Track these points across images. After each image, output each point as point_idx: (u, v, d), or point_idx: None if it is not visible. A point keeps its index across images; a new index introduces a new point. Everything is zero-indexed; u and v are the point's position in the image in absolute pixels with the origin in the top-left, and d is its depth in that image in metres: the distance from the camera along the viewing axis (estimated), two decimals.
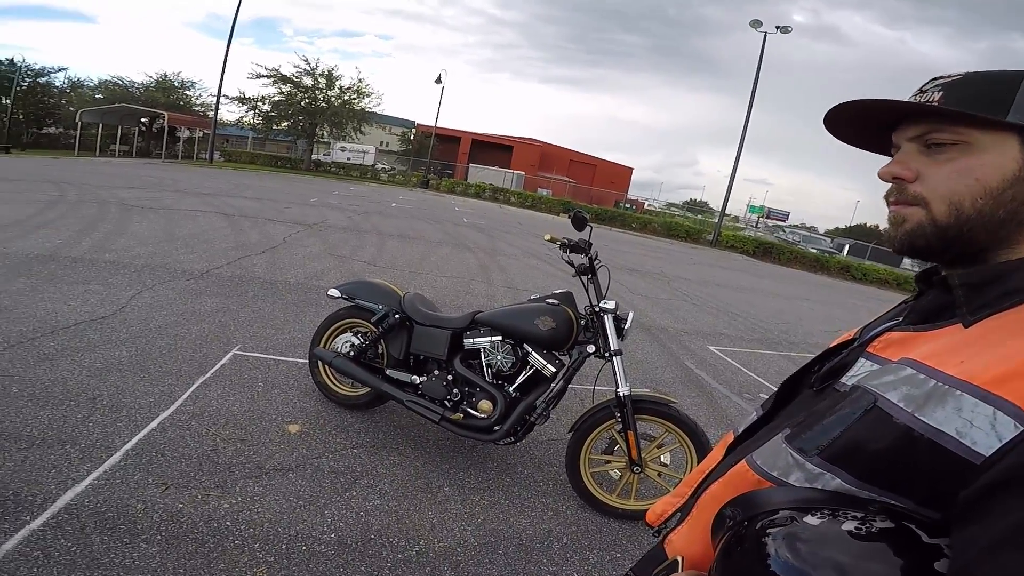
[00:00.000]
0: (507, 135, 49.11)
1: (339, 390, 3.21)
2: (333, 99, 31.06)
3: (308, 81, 30.70)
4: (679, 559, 0.69)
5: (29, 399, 2.75)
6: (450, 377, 2.78)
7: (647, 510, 2.65)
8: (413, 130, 46.73)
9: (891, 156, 0.68)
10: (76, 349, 3.38)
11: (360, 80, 32.21)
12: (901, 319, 0.69)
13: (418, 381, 2.84)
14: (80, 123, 27.09)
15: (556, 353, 2.66)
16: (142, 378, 3.15)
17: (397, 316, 2.90)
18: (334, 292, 3.12)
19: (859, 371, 0.64)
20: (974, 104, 0.58)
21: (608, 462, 2.71)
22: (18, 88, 30.16)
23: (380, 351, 3.03)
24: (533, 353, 2.61)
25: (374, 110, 33.01)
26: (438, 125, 34.79)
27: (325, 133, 32.62)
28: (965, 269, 0.61)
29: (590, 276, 2.68)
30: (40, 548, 1.84)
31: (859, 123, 0.69)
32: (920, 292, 0.70)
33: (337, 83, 31.26)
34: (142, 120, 30.39)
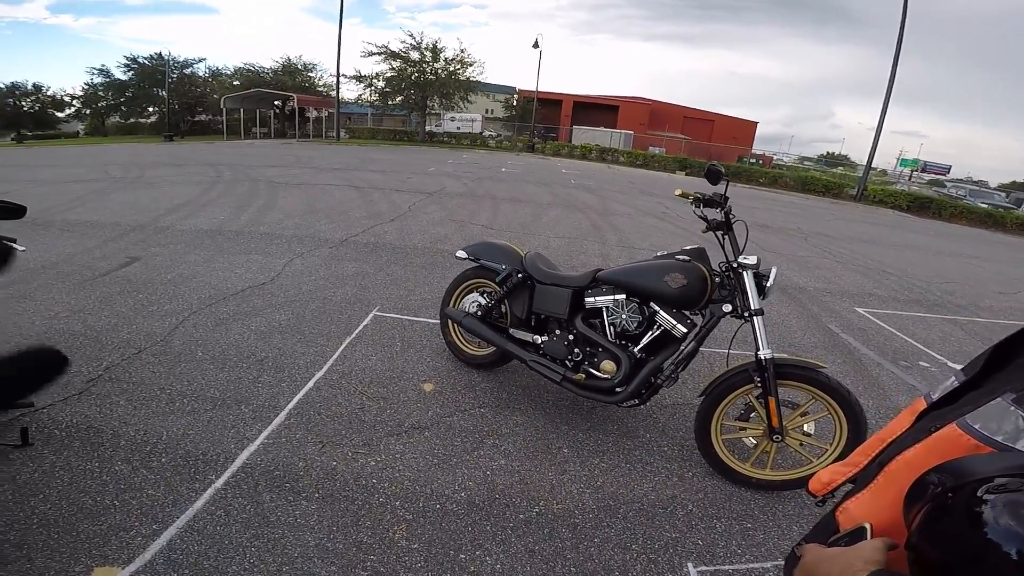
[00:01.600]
0: (611, 95, 47.05)
1: (467, 349, 3.34)
2: (439, 71, 31.88)
3: (415, 55, 31.75)
4: (867, 526, 0.65)
5: (211, 362, 3.16)
6: (571, 336, 2.75)
7: (785, 480, 2.47)
8: (515, 96, 46.52)
9: None
10: (244, 314, 3.87)
11: (462, 51, 32.82)
12: None
13: (540, 341, 2.85)
14: (224, 109, 30.41)
15: (687, 312, 2.52)
16: (299, 340, 3.52)
17: (519, 275, 2.92)
18: (461, 253, 3.20)
19: None
20: None
21: (743, 429, 2.55)
22: (170, 80, 34.01)
23: (504, 310, 3.08)
24: (661, 312, 2.48)
25: (478, 79, 33.43)
26: (539, 89, 34.31)
27: (435, 105, 33.58)
28: None
29: (725, 232, 2.48)
30: (222, 507, 2.07)
31: None
32: None
33: (442, 55, 32.03)
34: (275, 103, 33.13)
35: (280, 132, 34.70)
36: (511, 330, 2.99)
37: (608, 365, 2.58)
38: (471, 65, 32.63)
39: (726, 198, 2.48)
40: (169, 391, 2.83)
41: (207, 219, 6.77)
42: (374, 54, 31.78)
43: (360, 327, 3.78)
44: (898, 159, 48.76)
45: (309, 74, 38.74)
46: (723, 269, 2.46)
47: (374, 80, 32.40)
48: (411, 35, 33.27)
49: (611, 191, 14.28)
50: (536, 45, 32.01)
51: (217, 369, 3.08)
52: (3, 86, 36.37)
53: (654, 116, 43.15)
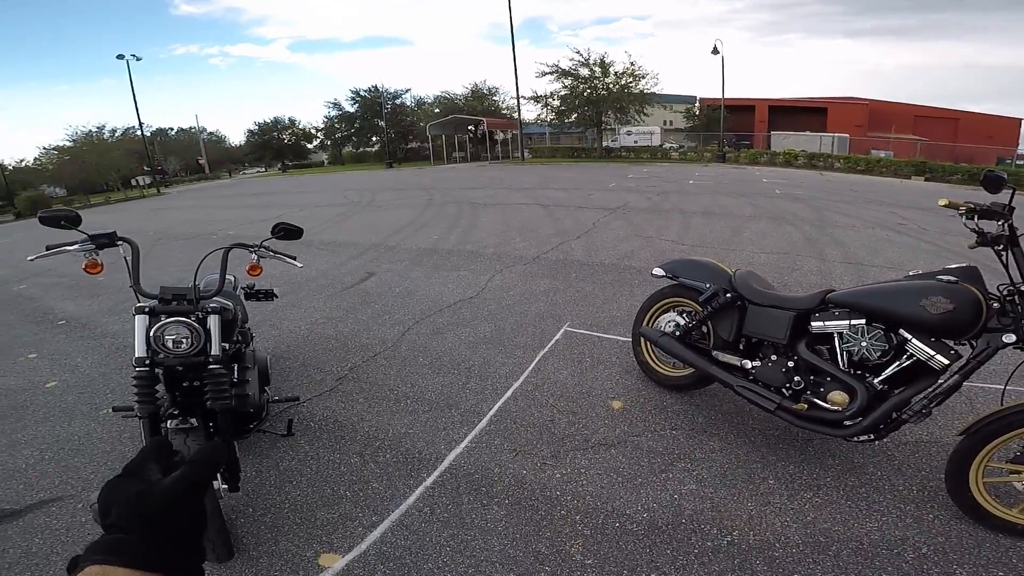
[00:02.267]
0: (815, 96, 41.76)
1: (660, 370, 3.25)
2: (611, 85, 31.66)
3: (584, 72, 31.98)
4: None
5: (429, 368, 3.59)
6: (791, 364, 2.50)
7: None
8: (696, 105, 44.13)
9: None
10: (456, 324, 4.34)
11: (632, 63, 32.13)
12: None
13: (750, 365, 2.65)
14: (430, 135, 34.26)
15: (950, 342, 2.14)
16: (500, 351, 3.82)
17: (728, 295, 2.75)
18: (658, 271, 3.12)
19: None
20: None
21: (1015, 472, 2.06)
22: (386, 111, 38.97)
23: (706, 331, 2.93)
24: (914, 340, 2.13)
25: (652, 90, 32.49)
26: (726, 96, 31.98)
27: (611, 120, 33.43)
28: None
29: (1007, 247, 2.05)
30: (429, 504, 2.29)
31: None
32: None
33: (611, 69, 31.76)
34: (469, 128, 36.33)
35: (475, 155, 38.03)
36: (715, 352, 2.82)
37: (838, 396, 2.29)
38: (643, 77, 31.93)
39: (1011, 208, 2.06)
40: (396, 392, 3.25)
41: (425, 238, 7.79)
42: (547, 73, 32.77)
43: (552, 341, 3.96)
44: None
45: (494, 98, 41.57)
46: (1005, 292, 2.05)
47: (549, 100, 33.46)
48: (577, 51, 33.55)
49: (827, 201, 12.60)
50: (716, 51, 30.14)
51: (434, 374, 3.47)
52: (268, 121, 46.19)
53: (874, 116, 37.22)
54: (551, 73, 32.80)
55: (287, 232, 2.53)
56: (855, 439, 2.28)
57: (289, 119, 47.38)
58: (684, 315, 3.08)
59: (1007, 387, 2.19)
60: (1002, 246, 2.06)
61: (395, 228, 8.78)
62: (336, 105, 44.02)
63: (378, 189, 16.16)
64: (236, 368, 2.25)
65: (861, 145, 31.10)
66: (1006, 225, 2.05)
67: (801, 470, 2.49)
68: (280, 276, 5.56)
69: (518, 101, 33.40)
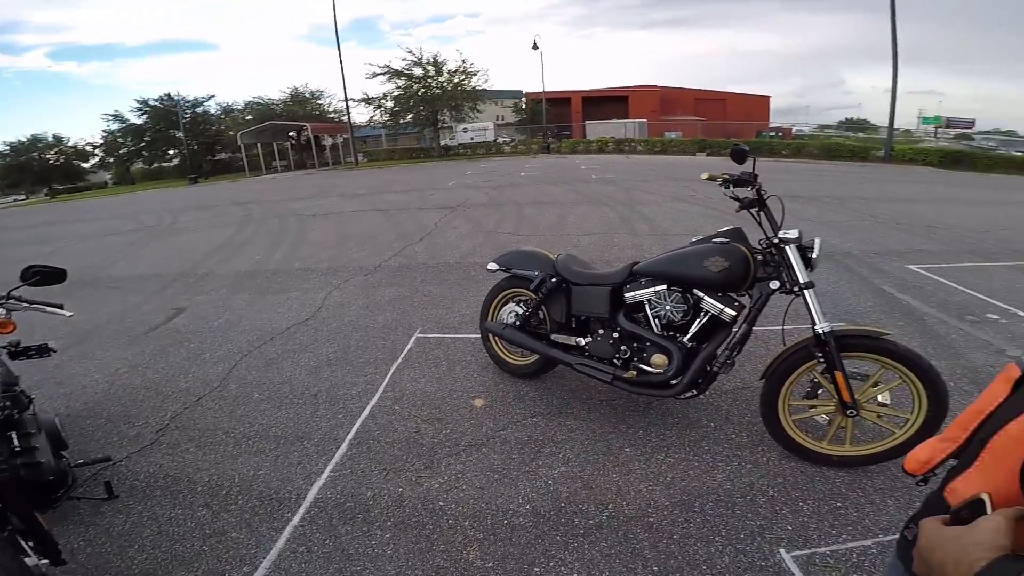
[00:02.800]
0: (619, 86, 46.66)
1: (511, 360, 3.32)
2: (445, 84, 32.00)
3: (418, 71, 31.95)
4: (984, 497, 0.61)
5: (268, 402, 3.24)
6: (616, 334, 2.70)
7: (869, 455, 2.36)
8: (523, 99, 46.60)
9: None
10: (292, 351, 3.95)
11: (463, 61, 32.92)
12: None
13: (583, 343, 2.80)
14: (242, 145, 31.08)
15: (733, 295, 2.44)
16: (348, 370, 3.57)
17: (553, 280, 2.88)
18: (492, 265, 3.20)
19: None
20: None
21: (813, 407, 2.45)
22: (183, 120, 34.40)
23: (543, 317, 3.05)
24: (706, 298, 2.41)
25: (484, 87, 33.54)
26: (546, 89, 34.38)
27: (446, 118, 33.80)
28: None
29: (760, 208, 2.40)
30: (303, 543, 2.11)
31: None
32: None
33: (444, 68, 32.17)
34: (290, 134, 33.57)
35: (300, 163, 35.38)
36: (553, 336, 2.95)
37: (659, 359, 2.52)
38: (475, 74, 32.78)
39: (755, 175, 2.40)
40: (234, 434, 2.91)
41: (244, 260, 6.97)
42: (378, 74, 32.13)
43: (405, 351, 3.81)
44: (919, 117, 47.08)
45: (318, 102, 39.19)
46: (764, 246, 2.38)
47: (382, 101, 32.78)
48: (410, 51, 33.84)
49: (634, 181, 14.09)
50: (535, 46, 31.96)
51: (275, 408, 3.15)
52: (24, 140, 37.86)
53: (665, 102, 42.65)
54: (383, 74, 32.08)
55: (44, 276, 2.17)
56: (682, 396, 2.51)
57: (54, 136, 39.11)
58: (522, 304, 3.16)
59: (784, 327, 2.56)
60: (756, 208, 2.40)
61: (206, 252, 7.72)
62: (118, 117, 37.55)
63: (181, 208, 14.14)
64: (15, 436, 1.96)
65: (656, 128, 35.45)
66: (755, 190, 2.40)
67: (649, 433, 2.69)
68: (60, 326, 4.56)
69: (347, 104, 32.18)
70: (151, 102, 36.68)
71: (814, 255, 2.28)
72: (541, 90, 34.26)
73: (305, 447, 2.74)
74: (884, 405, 2.35)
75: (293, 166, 34.65)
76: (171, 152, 39.28)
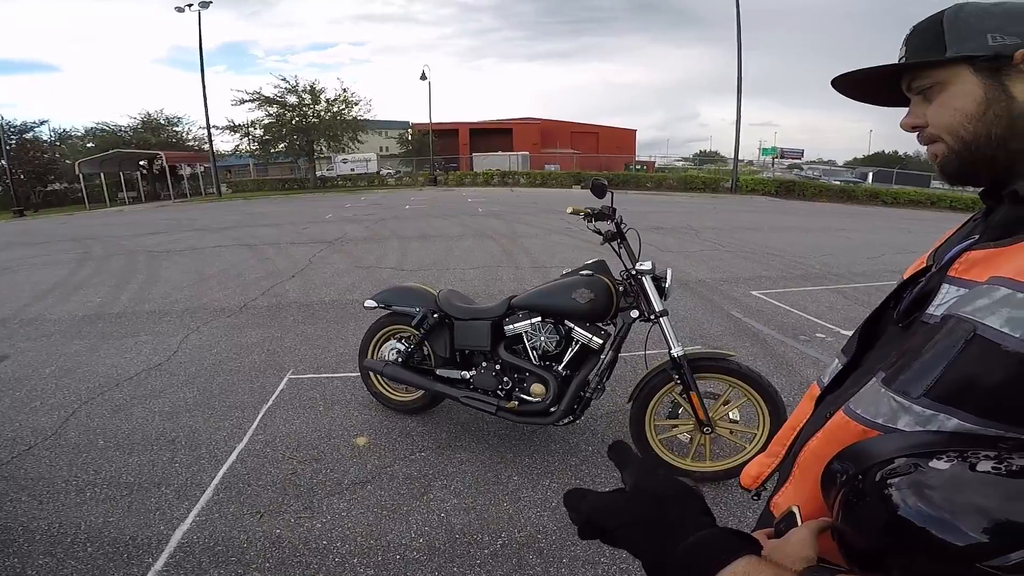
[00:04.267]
0: (504, 119, 48.55)
1: (396, 397, 3.25)
2: (322, 113, 30.86)
3: (293, 99, 30.51)
4: (795, 510, 0.66)
5: (116, 448, 2.92)
6: (498, 367, 2.77)
7: (727, 469, 2.60)
8: (409, 130, 46.44)
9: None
10: (144, 396, 3.52)
11: (344, 90, 31.94)
12: (977, 237, 0.64)
13: (468, 376, 2.84)
14: (81, 175, 27.22)
15: (600, 324, 2.61)
16: (211, 415, 3.27)
17: (435, 315, 2.90)
18: (370, 303, 3.14)
19: (945, 298, 0.60)
20: (924, 51, 0.66)
21: (675, 426, 2.68)
22: (7, 147, 29.43)
23: (426, 353, 3.05)
24: (576, 328, 2.57)
25: (366, 117, 32.70)
26: (433, 121, 34.43)
27: (323, 148, 32.41)
28: None
29: (620, 241, 2.62)
30: None
31: (864, 87, 0.74)
32: (989, 209, 0.67)
33: (322, 96, 31.02)
34: (141, 163, 30.09)
35: (152, 194, 31.62)
36: (437, 370, 2.95)
37: (537, 388, 2.62)
38: (356, 104, 31.89)
39: (614, 209, 2.63)
40: (76, 482, 2.62)
41: (81, 303, 6.07)
42: (246, 101, 30.09)
43: (276, 393, 3.56)
44: (760, 149, 54.50)
45: (175, 128, 35.77)
46: (624, 277, 2.60)
47: (250, 129, 30.71)
48: (284, 79, 31.40)
49: (517, 214, 14.61)
50: (424, 77, 31.93)
51: (125, 455, 2.85)
52: None
53: (545, 134, 44.90)
54: (252, 100, 29.96)
55: None
56: (560, 423, 2.63)
57: None
58: (403, 341, 3.13)
59: (646, 352, 2.79)
60: (616, 240, 2.62)
61: (34, 295, 6.60)
62: None
63: (2, 245, 12.05)
64: None
65: (538, 161, 37.15)
66: (614, 223, 2.63)
67: (534, 461, 2.77)
68: None
69: (208, 131, 29.10)
70: None
71: (667, 284, 2.53)
72: (428, 121, 34.16)
73: (163, 493, 2.51)
74: (735, 422, 2.63)
75: (144, 198, 30.84)
76: None
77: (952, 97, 0.65)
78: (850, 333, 0.84)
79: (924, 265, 0.73)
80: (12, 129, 31.79)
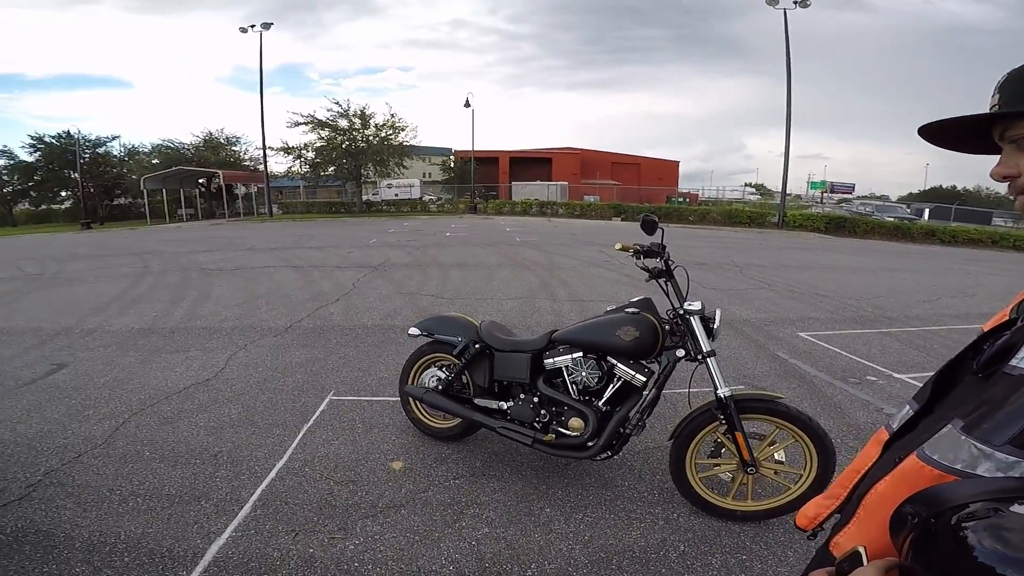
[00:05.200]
0: (543, 147, 49.05)
1: (433, 424, 3.27)
2: (371, 137, 31.50)
3: (344, 123, 31.23)
4: (860, 550, 0.66)
5: (161, 460, 3.02)
6: (536, 399, 2.77)
7: (769, 509, 2.53)
8: (452, 157, 47.35)
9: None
10: (190, 411, 3.65)
11: (392, 115, 32.44)
12: None
13: (506, 407, 2.85)
14: (145, 190, 28.49)
15: (643, 362, 2.59)
16: (253, 432, 3.36)
17: (477, 346, 2.94)
18: (414, 331, 3.21)
19: None
20: (1020, 100, 0.64)
21: (717, 465, 2.60)
22: (81, 160, 31.32)
23: (466, 381, 3.07)
24: (619, 365, 2.55)
25: (412, 143, 33.20)
26: (475, 148, 34.94)
27: (370, 172, 33.10)
28: None
29: (667, 279, 2.60)
30: None
31: (952, 134, 0.73)
32: None
33: (372, 121, 31.65)
34: (200, 181, 31.49)
35: (208, 212, 33.15)
36: (476, 400, 2.97)
37: (576, 422, 2.59)
38: (403, 129, 32.39)
39: (663, 246, 2.61)
40: (120, 492, 2.71)
41: (137, 317, 6.40)
42: (300, 124, 30.97)
43: (317, 413, 3.63)
44: (808, 183, 53.16)
45: (233, 148, 36.96)
46: (671, 316, 2.57)
47: (303, 151, 31.57)
48: (336, 103, 31.94)
49: (554, 245, 14.66)
50: (467, 104, 32.34)
51: (168, 467, 2.94)
52: None
53: (585, 164, 45.09)
54: (306, 123, 30.89)
55: None
56: (598, 458, 2.60)
57: None
58: (444, 369, 3.17)
59: (690, 391, 2.75)
60: (664, 278, 2.60)
61: (95, 307, 7.01)
62: (6, 153, 33.85)
63: (70, 256, 12.85)
64: None
65: (577, 191, 37.19)
66: (663, 261, 2.61)
67: (568, 494, 2.73)
68: None
69: (264, 152, 30.28)
70: (46, 138, 33.53)
71: (715, 325, 2.49)
72: (471, 148, 34.25)
73: (203, 507, 2.57)
74: (780, 462, 2.53)
75: (201, 215, 32.46)
76: (63, 194, 35.77)
77: None
78: (904, 377, 0.84)
79: (1008, 318, 0.73)
80: (87, 143, 34.03)
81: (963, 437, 0.60)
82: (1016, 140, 0.66)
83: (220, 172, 30.02)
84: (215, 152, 35.07)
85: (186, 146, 35.11)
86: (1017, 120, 0.65)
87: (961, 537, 0.49)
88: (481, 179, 39.79)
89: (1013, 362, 0.62)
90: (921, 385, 0.82)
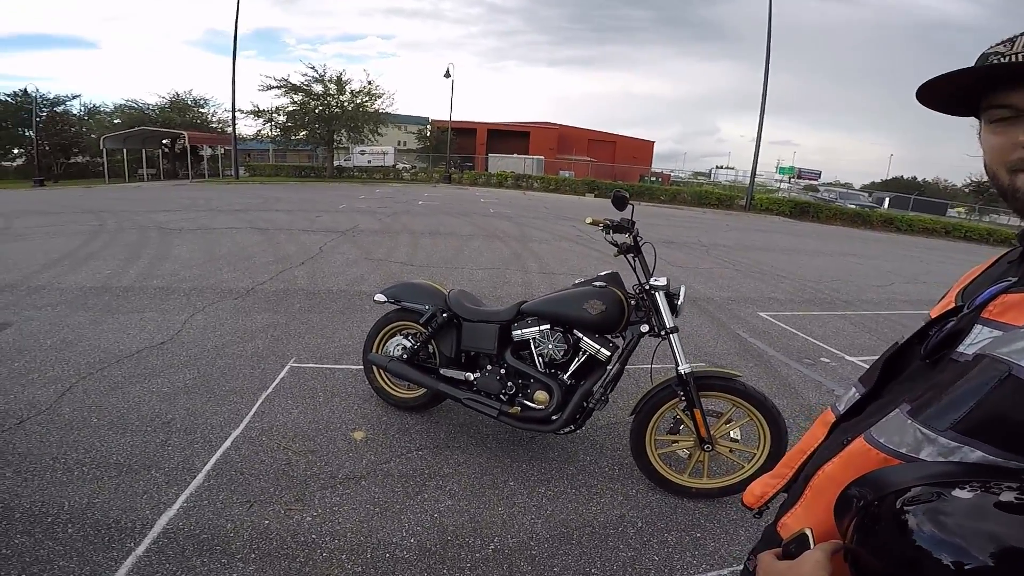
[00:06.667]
0: (522, 121, 48.48)
1: (397, 393, 3.24)
2: (346, 104, 30.79)
3: (319, 88, 30.42)
4: (807, 532, 0.67)
5: (109, 427, 2.89)
6: (503, 371, 2.76)
7: (723, 487, 2.61)
8: (428, 126, 46.46)
9: (978, 118, 0.66)
10: (143, 376, 3.52)
11: (370, 82, 31.78)
12: (1015, 280, 0.64)
13: (472, 378, 2.83)
14: (104, 150, 27.51)
15: (608, 336, 2.60)
16: (209, 399, 3.26)
17: (444, 315, 2.89)
18: (380, 297, 3.13)
19: (978, 339, 0.61)
20: None
21: (675, 442, 2.66)
22: (38, 119, 29.97)
23: (432, 351, 3.04)
24: (585, 338, 2.55)
25: (388, 110, 32.51)
26: (453, 119, 34.40)
27: (343, 138, 32.37)
28: None
29: (635, 254, 2.60)
30: (148, 575, 1.91)
31: (955, 93, 0.66)
32: None
33: (348, 87, 30.97)
34: (164, 142, 30.35)
35: (171, 173, 31.93)
36: (441, 370, 2.94)
37: (541, 395, 2.60)
38: (379, 97, 31.71)
39: (633, 222, 2.61)
40: (64, 460, 2.59)
41: (90, 275, 6.11)
42: (273, 87, 30.01)
43: (276, 380, 3.55)
44: (777, 168, 54.27)
45: (201, 110, 35.92)
46: (637, 291, 2.58)
47: (274, 114, 30.67)
48: (312, 67, 30.99)
49: (528, 218, 14.59)
50: (448, 75, 31.75)
51: (117, 435, 2.83)
52: None
53: (562, 140, 44.82)
54: (280, 87, 29.84)
55: None
56: (561, 432, 2.62)
57: None
58: (410, 338, 3.11)
59: (652, 367, 2.79)
60: (632, 254, 2.60)
61: (45, 263, 6.66)
62: None
63: (19, 212, 12.13)
64: None
65: (553, 166, 37.08)
66: (632, 236, 2.61)
67: (532, 467, 2.75)
68: None
69: (233, 113, 28.92)
70: (3, 97, 31.75)
71: (679, 302, 2.51)
72: (448, 118, 33.89)
73: (153, 476, 2.49)
74: (735, 441, 2.61)
75: (163, 175, 31.21)
76: (15, 151, 33.95)
77: None
78: (855, 360, 0.85)
79: (953, 305, 0.73)
80: (44, 102, 32.42)
81: (909, 421, 0.61)
82: None
83: (185, 133, 28.86)
84: (181, 114, 33.87)
85: (151, 107, 33.87)
86: None
87: (903, 521, 0.50)
88: (458, 150, 39.27)
89: (960, 348, 0.63)
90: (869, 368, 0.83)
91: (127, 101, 34.95)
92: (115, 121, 33.50)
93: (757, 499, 0.90)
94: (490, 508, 2.42)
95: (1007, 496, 0.48)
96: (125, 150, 28.97)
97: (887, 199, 32.02)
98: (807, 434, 0.86)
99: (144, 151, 30.87)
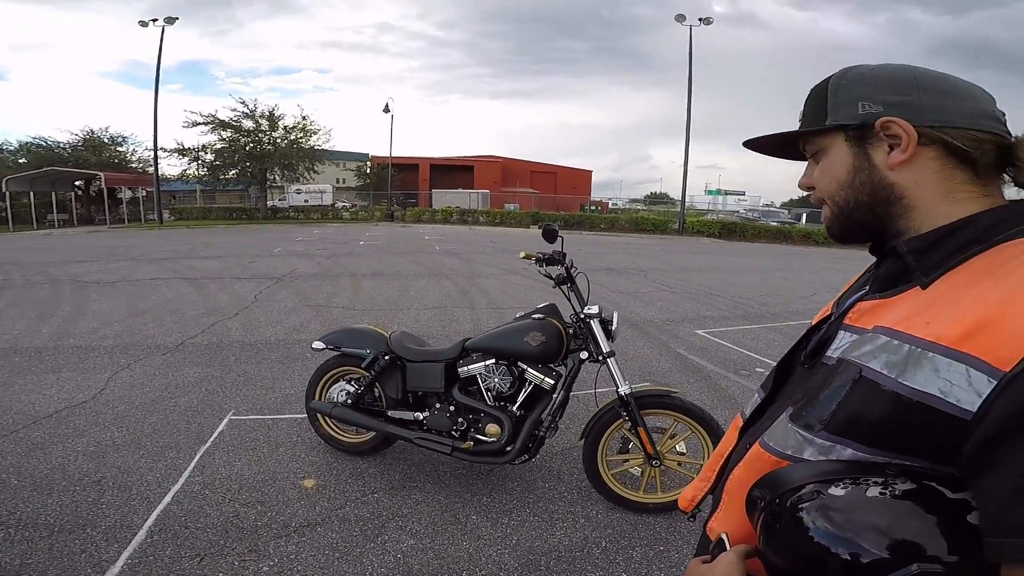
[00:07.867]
0: (466, 155, 49.11)
1: (345, 439, 3.16)
2: (279, 140, 29.78)
3: (249, 124, 29.25)
4: (723, 536, 0.71)
5: (32, 488, 2.72)
6: (452, 408, 2.78)
7: (678, 499, 2.69)
8: (368, 163, 45.95)
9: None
10: (64, 435, 3.29)
11: (304, 117, 30.81)
12: (868, 288, 0.71)
13: (421, 417, 2.83)
14: (7, 192, 25.08)
15: (551, 365, 2.69)
16: (142, 455, 3.09)
17: (387, 357, 2.89)
18: (318, 344, 3.10)
19: (841, 344, 0.66)
20: (812, 118, 0.70)
21: (626, 461, 2.74)
22: None
23: (377, 394, 3.01)
24: (529, 369, 2.63)
25: (324, 147, 31.60)
26: (393, 154, 34.13)
27: (277, 177, 31.19)
28: (908, 237, 0.65)
29: (570, 285, 2.73)
30: None
31: (774, 146, 0.79)
32: (878, 261, 0.73)
33: (280, 123, 29.97)
34: (77, 183, 28.09)
35: (86, 218, 29.21)
36: (390, 412, 2.92)
37: (492, 428, 2.64)
38: (315, 132, 30.80)
39: (564, 254, 2.74)
40: None
41: None
42: (199, 124, 28.44)
43: (215, 434, 3.39)
44: (706, 190, 57.53)
45: (119, 148, 32.91)
46: (573, 320, 2.70)
47: (200, 153, 29.01)
48: (243, 102, 29.57)
49: (475, 253, 14.68)
50: (387, 109, 31.42)
51: (43, 495, 2.65)
52: None
53: (506, 173, 45.64)
54: (206, 124, 28.30)
55: None
56: (516, 462, 2.65)
57: None
58: (353, 382, 3.08)
59: (596, 391, 2.87)
60: (566, 284, 2.73)
61: None
62: None
63: None
64: None
65: (498, 199, 37.52)
66: (564, 268, 2.74)
67: (492, 499, 2.76)
68: None
69: (155, 153, 27.34)
70: None
71: (613, 327, 2.66)
72: (389, 154, 33.39)
73: (90, 535, 2.35)
74: (682, 454, 2.72)
75: (77, 221, 28.71)
76: None
77: (831, 164, 0.69)
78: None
79: (829, 312, 0.79)
80: None
81: (790, 425, 0.65)
82: (813, 154, 0.72)
83: (101, 174, 26.85)
84: (96, 152, 31.13)
85: (62, 145, 30.96)
86: (810, 136, 0.71)
87: (798, 518, 0.53)
88: (400, 186, 38.92)
89: (828, 353, 0.67)
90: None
91: (34, 139, 31.76)
92: (20, 160, 30.68)
93: (689, 502, 0.93)
94: (455, 543, 2.40)
95: (873, 491, 0.51)
96: (32, 193, 26.37)
97: (804, 214, 34.52)
98: (723, 438, 0.90)
99: (54, 194, 28.11)
